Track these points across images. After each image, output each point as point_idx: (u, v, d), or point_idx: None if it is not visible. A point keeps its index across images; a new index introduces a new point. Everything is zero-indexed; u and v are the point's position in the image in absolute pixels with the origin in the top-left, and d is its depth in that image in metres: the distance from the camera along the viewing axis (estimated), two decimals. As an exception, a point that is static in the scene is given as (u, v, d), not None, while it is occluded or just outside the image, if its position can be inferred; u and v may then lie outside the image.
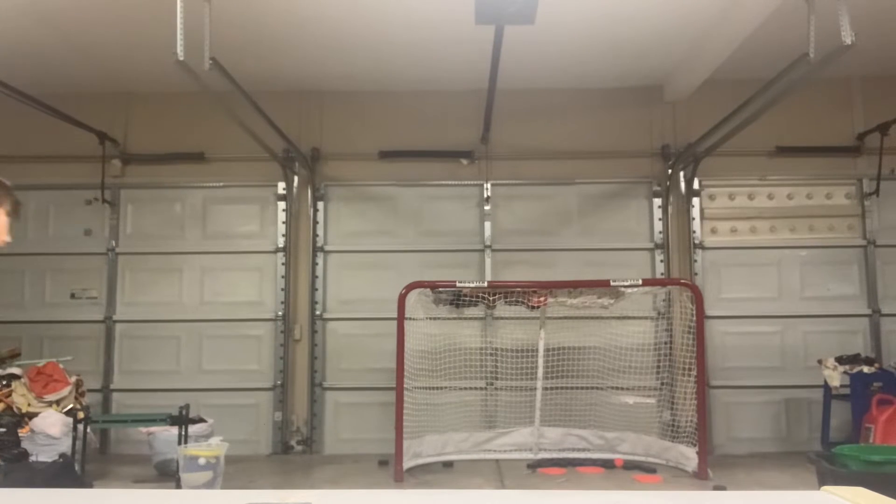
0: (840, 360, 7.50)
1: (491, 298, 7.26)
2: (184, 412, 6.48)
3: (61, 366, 7.24)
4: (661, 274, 8.30)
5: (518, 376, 7.63)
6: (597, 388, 7.50)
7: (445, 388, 7.40)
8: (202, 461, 5.63)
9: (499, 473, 6.83)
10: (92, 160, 8.28)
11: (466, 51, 7.25)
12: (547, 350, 7.38)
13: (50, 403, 6.87)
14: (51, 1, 6.27)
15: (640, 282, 7.06)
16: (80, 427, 6.50)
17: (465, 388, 7.72)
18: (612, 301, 7.18)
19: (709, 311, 7.89)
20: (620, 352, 7.40)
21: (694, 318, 7.02)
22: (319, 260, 8.43)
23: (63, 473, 5.76)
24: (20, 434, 6.32)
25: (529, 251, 8.36)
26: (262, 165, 8.24)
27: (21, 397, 6.82)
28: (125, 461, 7.54)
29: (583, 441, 7.41)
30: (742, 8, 6.21)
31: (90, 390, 7.72)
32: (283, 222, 8.42)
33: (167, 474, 6.56)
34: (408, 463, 6.72)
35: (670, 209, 8.38)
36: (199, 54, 5.51)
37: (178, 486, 5.82)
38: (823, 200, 8.41)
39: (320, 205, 8.49)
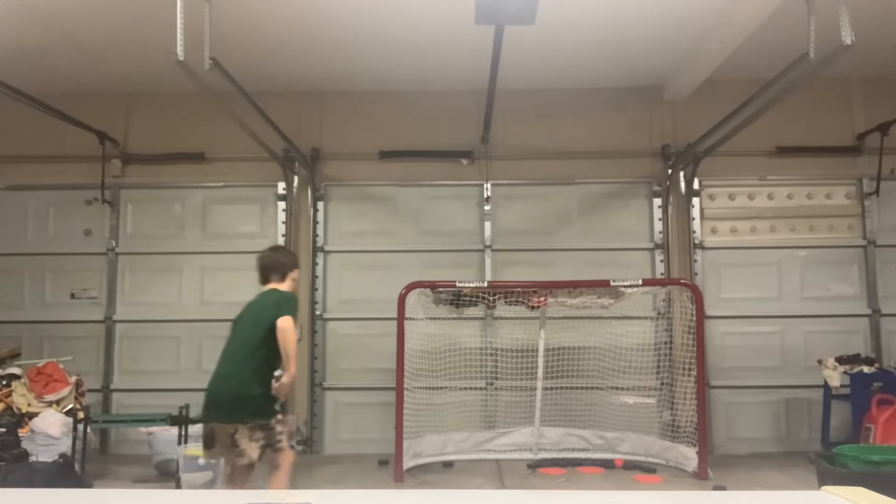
0: (840, 360, 7.50)
1: (491, 298, 7.26)
2: (184, 412, 6.49)
3: (61, 366, 7.24)
4: (661, 274, 8.29)
5: (518, 376, 7.63)
6: (597, 388, 7.50)
7: (445, 388, 7.41)
8: (202, 461, 5.63)
9: (499, 473, 6.83)
10: (92, 160, 8.28)
11: (466, 51, 7.25)
12: (547, 350, 7.38)
13: (50, 403, 6.87)
14: (51, 1, 6.27)
15: (640, 282, 7.06)
16: (80, 427, 6.51)
17: (465, 388, 7.73)
18: (612, 301, 7.18)
19: (709, 311, 7.89)
20: (620, 352, 7.41)
21: (694, 318, 7.03)
22: (319, 260, 8.43)
23: (63, 473, 5.77)
24: (20, 434, 6.32)
25: (529, 251, 8.36)
26: (262, 165, 8.23)
27: (21, 397, 6.82)
28: (125, 461, 7.53)
29: (583, 441, 7.41)
30: (742, 8, 6.21)
31: (90, 390, 7.73)
32: (283, 222, 8.42)
33: (167, 474, 6.55)
34: (408, 463, 6.73)
35: (670, 209, 8.37)
36: (199, 54, 5.51)
37: (178, 486, 5.83)
38: (823, 200, 8.41)
39: (320, 205, 8.49)
